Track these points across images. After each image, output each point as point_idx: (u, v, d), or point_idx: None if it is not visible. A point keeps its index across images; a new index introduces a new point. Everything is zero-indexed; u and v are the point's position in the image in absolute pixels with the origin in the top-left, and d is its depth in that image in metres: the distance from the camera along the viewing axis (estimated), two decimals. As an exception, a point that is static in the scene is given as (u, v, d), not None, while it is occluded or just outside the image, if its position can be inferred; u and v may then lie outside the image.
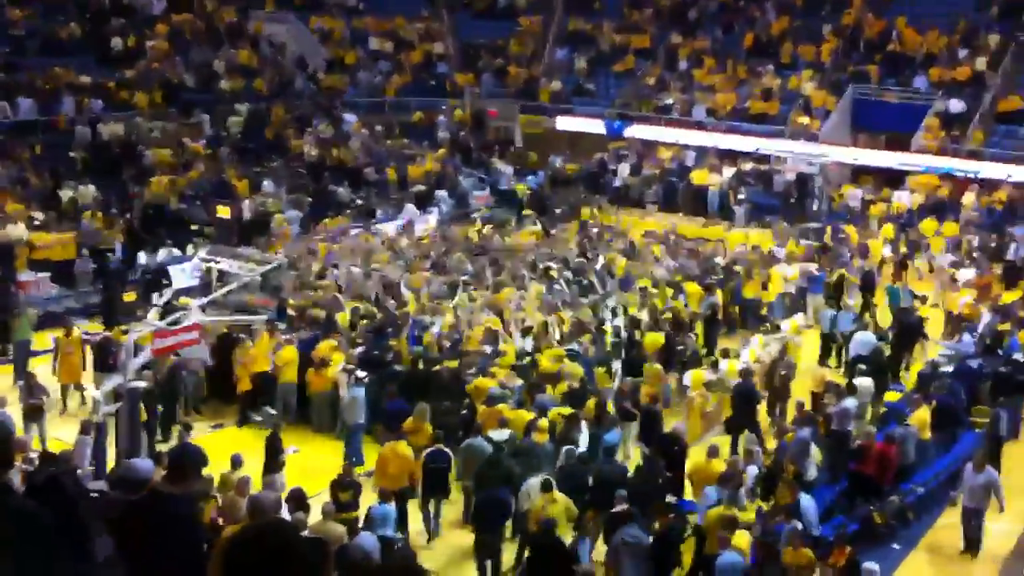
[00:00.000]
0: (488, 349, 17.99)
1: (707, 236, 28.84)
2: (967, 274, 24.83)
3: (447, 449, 14.06)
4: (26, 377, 16.76)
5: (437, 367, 16.96)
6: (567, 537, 12.28)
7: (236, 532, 3.52)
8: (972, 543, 13.89)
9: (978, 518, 13.84)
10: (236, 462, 12.02)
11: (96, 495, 8.86)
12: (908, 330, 20.60)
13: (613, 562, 11.76)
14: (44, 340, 20.56)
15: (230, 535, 3.50)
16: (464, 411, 15.73)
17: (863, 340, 19.46)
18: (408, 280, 22.30)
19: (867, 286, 24.07)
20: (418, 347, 18.04)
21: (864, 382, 17.22)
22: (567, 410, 15.31)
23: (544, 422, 14.54)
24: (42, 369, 17.62)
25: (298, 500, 11.90)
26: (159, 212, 26.16)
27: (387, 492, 12.96)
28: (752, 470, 14.28)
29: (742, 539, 11.96)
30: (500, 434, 14.40)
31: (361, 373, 16.27)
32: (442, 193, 31.43)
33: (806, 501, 12.91)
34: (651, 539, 11.79)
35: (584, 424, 14.99)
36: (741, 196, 33.14)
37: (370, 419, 16.11)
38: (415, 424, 14.66)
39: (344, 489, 13.13)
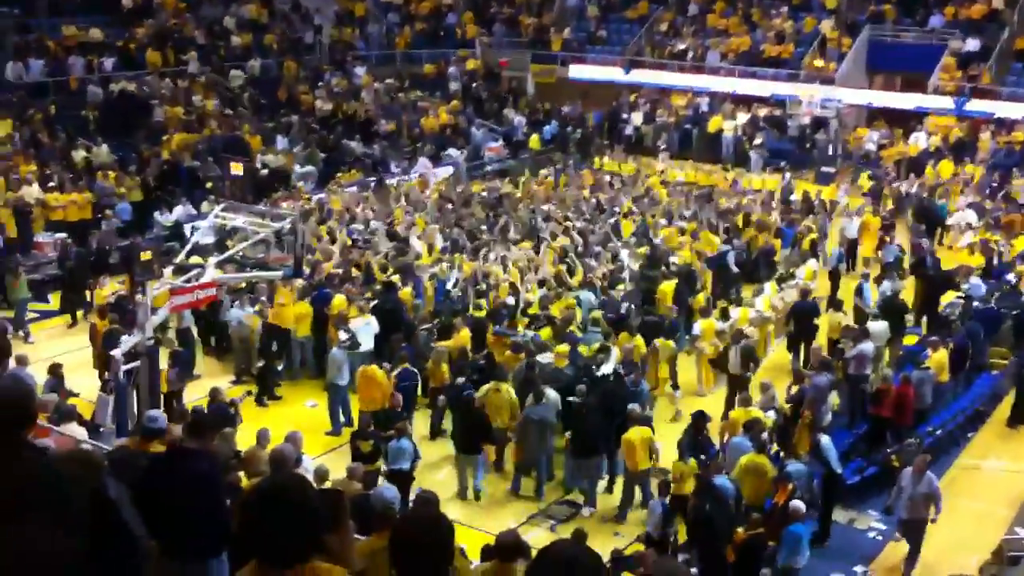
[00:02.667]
0: (511, 300, 18.03)
1: (719, 183, 28.75)
2: (969, 215, 24.72)
3: (414, 368, 15.05)
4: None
5: (457, 316, 17.06)
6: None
7: (254, 486, 3.58)
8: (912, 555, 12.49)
9: (918, 532, 12.38)
10: (263, 437, 12.11)
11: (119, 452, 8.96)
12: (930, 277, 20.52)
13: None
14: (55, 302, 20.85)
15: (249, 488, 3.57)
16: (481, 360, 15.76)
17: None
18: (420, 232, 22.31)
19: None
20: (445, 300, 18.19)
21: (878, 326, 17.17)
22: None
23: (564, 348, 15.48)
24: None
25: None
26: (173, 170, 26.17)
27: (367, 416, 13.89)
28: (769, 414, 14.32)
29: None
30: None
31: (344, 336, 16.19)
32: (455, 152, 31.18)
33: (825, 441, 12.93)
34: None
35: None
36: (757, 142, 32.88)
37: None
38: (433, 367, 15.46)
39: (365, 439, 13.28)
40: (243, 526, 3.57)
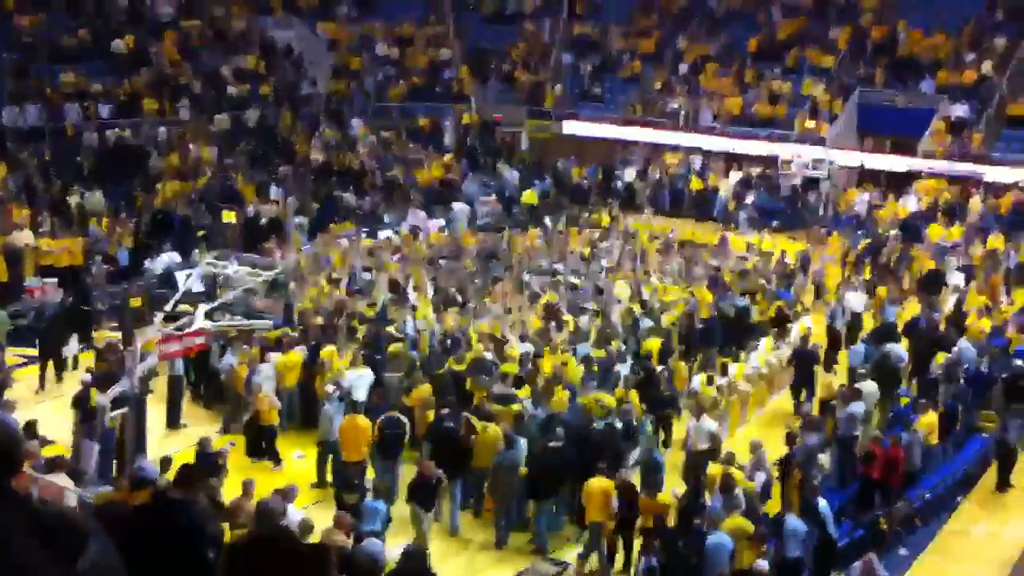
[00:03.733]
0: (489, 355, 17.99)
1: (711, 241, 28.86)
2: (957, 278, 24.82)
3: (402, 417, 14.99)
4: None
5: (440, 370, 17.00)
6: None
7: (241, 538, 3.53)
8: None
9: None
10: (247, 488, 12.02)
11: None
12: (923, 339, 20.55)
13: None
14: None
15: (234, 541, 3.52)
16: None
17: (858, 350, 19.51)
18: (413, 283, 22.34)
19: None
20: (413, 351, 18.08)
21: (869, 386, 17.18)
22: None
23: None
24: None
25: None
26: (167, 218, 26.21)
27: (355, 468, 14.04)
28: (760, 477, 14.26)
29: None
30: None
31: (331, 388, 16.02)
32: (461, 206, 31.26)
33: (823, 505, 12.82)
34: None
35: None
36: (747, 200, 33.08)
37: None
38: (419, 414, 15.57)
39: (351, 491, 13.21)
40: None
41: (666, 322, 20.54)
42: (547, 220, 30.68)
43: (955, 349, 19.53)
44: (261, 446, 16.22)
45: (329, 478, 15.29)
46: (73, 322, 19.86)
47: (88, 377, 15.72)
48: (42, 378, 18.57)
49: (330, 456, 15.41)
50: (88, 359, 18.33)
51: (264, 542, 3.44)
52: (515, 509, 14.35)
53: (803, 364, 18.90)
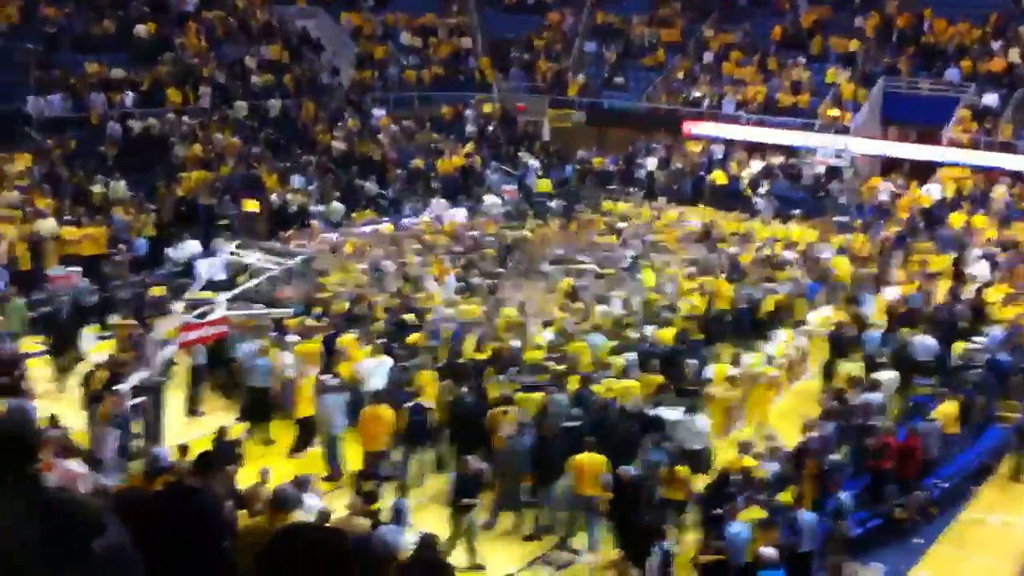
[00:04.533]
0: (516, 343, 18.08)
1: (738, 230, 28.74)
2: (982, 268, 24.62)
3: (426, 403, 15.13)
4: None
5: (462, 359, 17.08)
6: None
7: (273, 538, 3.57)
8: None
9: None
10: (264, 476, 12.12)
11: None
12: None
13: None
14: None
15: (266, 542, 3.56)
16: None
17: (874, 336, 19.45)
18: (433, 273, 22.43)
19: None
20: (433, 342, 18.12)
21: (888, 376, 17.14)
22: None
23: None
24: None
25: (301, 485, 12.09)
26: (191, 207, 26.40)
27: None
28: (772, 467, 14.23)
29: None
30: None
31: (332, 380, 15.88)
32: (492, 198, 31.30)
33: (806, 519, 12.46)
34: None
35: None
36: (762, 190, 32.96)
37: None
38: (439, 400, 15.50)
39: (367, 478, 13.30)
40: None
41: (687, 311, 20.51)
42: (573, 207, 30.68)
43: (979, 339, 19.49)
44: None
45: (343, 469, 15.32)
46: (85, 315, 19.99)
47: (100, 359, 15.84)
48: (56, 371, 18.26)
49: (335, 448, 15.39)
50: (107, 348, 18.41)
51: (292, 540, 3.47)
52: (515, 495, 14.35)
53: (838, 346, 19.16)
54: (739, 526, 11.98)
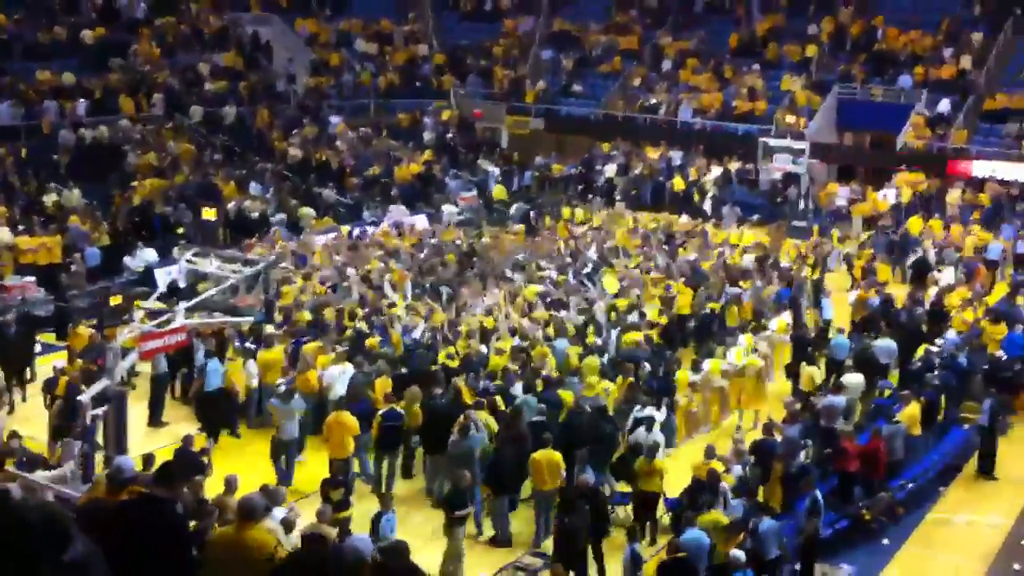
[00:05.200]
0: (484, 349, 18.02)
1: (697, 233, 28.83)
2: (948, 273, 24.85)
3: (400, 409, 14.99)
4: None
5: (433, 366, 16.94)
6: None
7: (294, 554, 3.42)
8: None
9: None
10: (231, 484, 11.92)
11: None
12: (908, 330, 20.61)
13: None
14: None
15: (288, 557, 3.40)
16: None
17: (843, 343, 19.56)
18: (393, 280, 22.29)
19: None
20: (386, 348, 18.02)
21: (853, 378, 17.24)
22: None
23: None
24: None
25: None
26: (145, 215, 26.04)
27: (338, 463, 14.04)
28: (736, 470, 14.25)
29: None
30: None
31: (280, 387, 15.86)
32: (450, 207, 31.13)
33: (766, 526, 12.24)
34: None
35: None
36: (712, 194, 33.16)
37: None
38: (407, 407, 15.21)
39: (335, 487, 13.13)
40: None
41: (652, 317, 20.54)
42: (531, 215, 30.65)
43: (940, 341, 19.70)
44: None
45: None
46: (37, 326, 19.69)
47: (60, 364, 15.60)
48: (10, 399, 17.42)
49: (283, 456, 15.20)
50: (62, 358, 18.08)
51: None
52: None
53: (800, 349, 19.25)
54: (697, 532, 11.89)
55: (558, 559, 12.23)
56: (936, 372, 18.25)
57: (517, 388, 16.01)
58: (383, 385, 15.96)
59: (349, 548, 10.73)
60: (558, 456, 13.68)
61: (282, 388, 15.73)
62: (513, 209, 31.70)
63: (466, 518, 12.94)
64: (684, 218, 31.18)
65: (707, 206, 32.95)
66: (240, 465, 14.76)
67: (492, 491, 14.12)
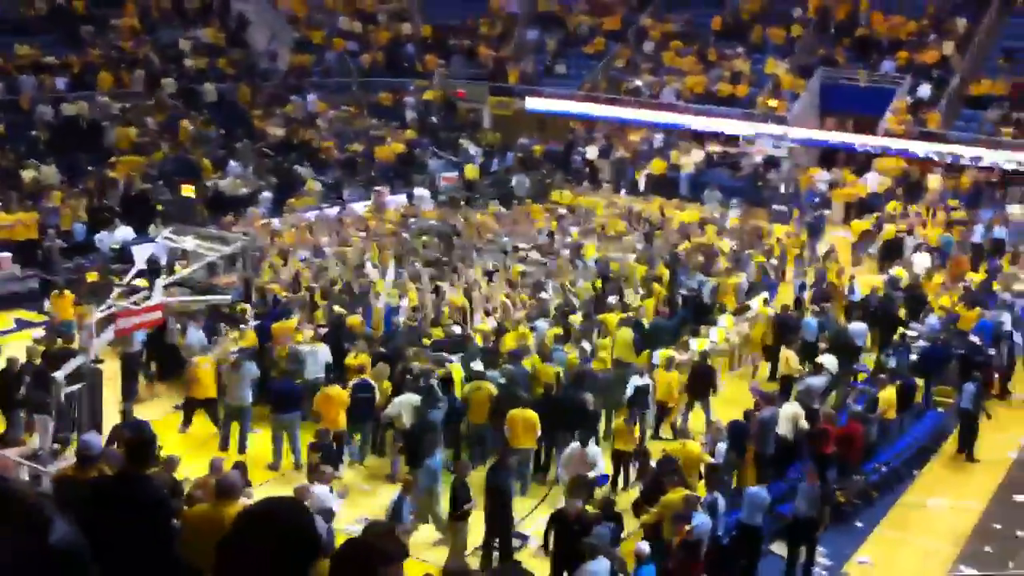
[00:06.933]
0: (457, 329, 18.04)
1: (682, 218, 28.85)
2: (923, 259, 24.91)
3: (372, 381, 15.26)
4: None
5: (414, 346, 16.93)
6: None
7: (245, 509, 3.36)
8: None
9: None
10: (215, 467, 11.90)
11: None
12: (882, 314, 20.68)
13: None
14: (6, 321, 20.46)
15: (241, 512, 3.33)
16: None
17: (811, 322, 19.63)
18: (373, 259, 22.26)
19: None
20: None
21: (830, 360, 17.31)
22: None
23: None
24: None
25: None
26: (124, 192, 25.86)
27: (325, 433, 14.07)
28: (721, 447, 14.28)
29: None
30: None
31: (233, 353, 16.09)
32: (422, 191, 31.03)
33: (699, 519, 11.76)
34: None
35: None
36: (707, 179, 33.18)
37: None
38: (375, 382, 15.41)
39: (316, 450, 13.33)
40: (230, 552, 3.29)
41: (632, 300, 20.59)
42: (513, 194, 30.64)
43: (916, 325, 19.81)
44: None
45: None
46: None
47: (38, 335, 15.69)
48: None
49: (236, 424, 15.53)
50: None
51: (271, 513, 3.25)
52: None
53: (783, 330, 19.26)
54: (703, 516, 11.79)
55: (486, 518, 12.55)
56: (912, 356, 18.37)
57: (477, 364, 16.07)
58: (361, 361, 15.95)
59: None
60: (533, 415, 14.24)
61: (238, 358, 15.75)
62: (492, 190, 31.65)
63: (470, 512, 12.67)
64: (662, 201, 31.24)
65: (684, 188, 33.02)
66: (206, 447, 14.81)
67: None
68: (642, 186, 33.92)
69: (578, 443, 13.60)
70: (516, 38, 40.82)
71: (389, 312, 18.93)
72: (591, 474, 13.05)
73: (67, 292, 18.82)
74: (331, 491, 11.93)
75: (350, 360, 16.05)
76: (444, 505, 12.95)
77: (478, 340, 17.59)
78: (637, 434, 14.78)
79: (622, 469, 14.81)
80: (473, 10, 42.37)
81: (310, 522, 3.14)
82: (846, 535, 13.72)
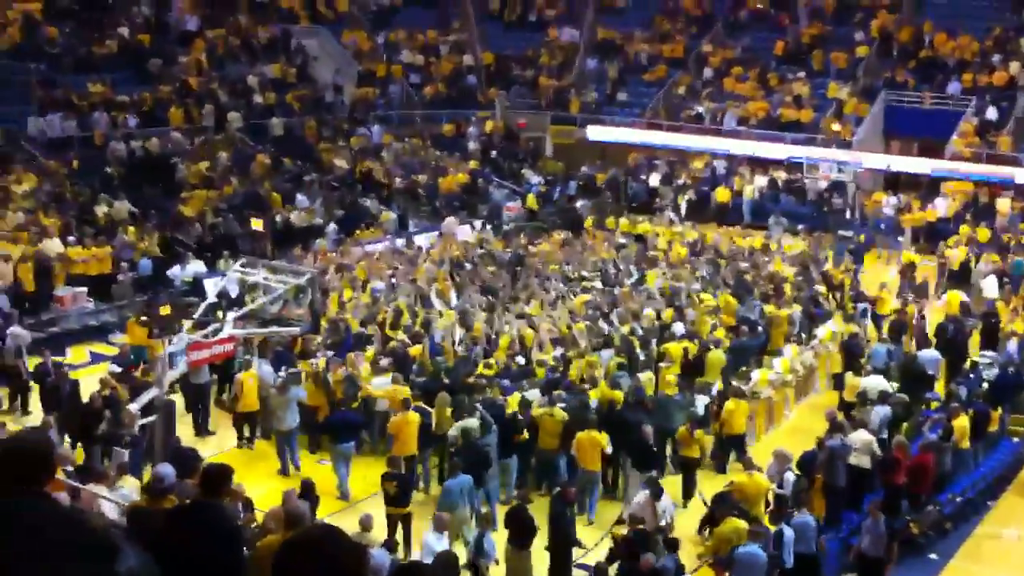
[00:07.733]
0: (520, 360, 18.07)
1: (744, 246, 28.62)
2: (992, 283, 24.43)
3: (428, 407, 15.75)
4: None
5: (471, 378, 16.99)
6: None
7: (292, 537, 3.52)
8: None
9: None
10: (287, 498, 12.09)
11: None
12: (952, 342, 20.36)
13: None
14: (82, 354, 20.93)
15: (286, 539, 3.51)
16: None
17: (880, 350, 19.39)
18: (438, 290, 22.42)
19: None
20: (438, 357, 18.08)
21: (871, 382, 17.28)
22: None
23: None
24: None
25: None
26: (195, 226, 26.38)
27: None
28: (789, 477, 14.11)
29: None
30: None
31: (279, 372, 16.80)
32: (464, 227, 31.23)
33: (789, 534, 12.10)
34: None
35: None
36: (772, 205, 32.95)
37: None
38: (438, 411, 15.86)
39: (391, 480, 13.53)
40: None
41: (699, 329, 20.38)
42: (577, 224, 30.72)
43: (989, 352, 19.49)
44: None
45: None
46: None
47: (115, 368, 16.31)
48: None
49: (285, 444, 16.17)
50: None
51: (312, 540, 3.43)
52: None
53: (850, 356, 19.36)
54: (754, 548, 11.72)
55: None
56: (985, 384, 18.06)
57: (534, 393, 16.23)
58: (400, 392, 15.98)
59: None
60: (601, 437, 14.57)
61: (288, 377, 16.34)
62: (557, 219, 31.79)
63: (534, 538, 12.71)
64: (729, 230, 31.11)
65: (747, 215, 32.84)
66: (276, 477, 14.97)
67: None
68: (701, 211, 33.79)
69: (648, 491, 13.29)
70: (576, 67, 41.01)
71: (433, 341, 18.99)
72: (661, 523, 12.95)
73: (142, 318, 19.23)
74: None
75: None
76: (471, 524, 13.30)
77: (539, 372, 17.59)
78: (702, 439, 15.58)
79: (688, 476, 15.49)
80: (533, 40, 42.65)
81: (351, 548, 3.30)
82: (920, 568, 13.51)
